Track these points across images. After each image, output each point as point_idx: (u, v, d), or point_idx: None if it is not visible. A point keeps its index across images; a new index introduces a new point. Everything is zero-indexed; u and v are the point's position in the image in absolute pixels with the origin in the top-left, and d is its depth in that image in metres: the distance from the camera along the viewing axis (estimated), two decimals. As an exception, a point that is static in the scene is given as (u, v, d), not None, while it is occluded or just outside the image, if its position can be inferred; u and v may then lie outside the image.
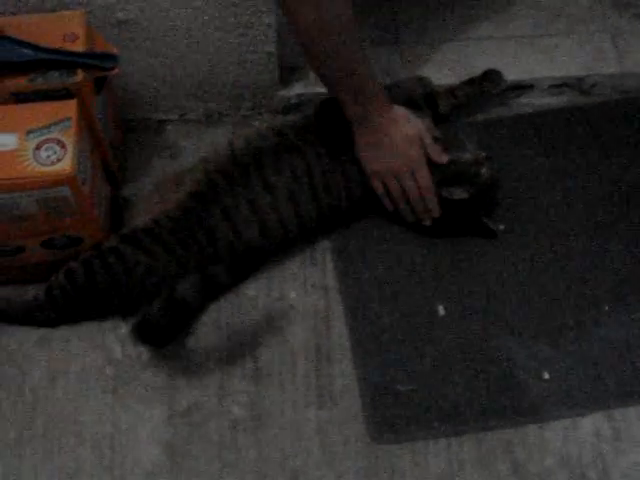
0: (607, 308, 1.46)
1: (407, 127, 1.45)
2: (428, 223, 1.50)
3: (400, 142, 1.44)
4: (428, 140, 1.47)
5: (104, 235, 1.43)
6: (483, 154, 1.49)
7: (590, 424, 1.37)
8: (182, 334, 1.44)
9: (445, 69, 1.69)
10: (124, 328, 1.44)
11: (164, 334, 1.42)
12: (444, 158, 1.47)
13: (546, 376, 1.40)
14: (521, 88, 1.69)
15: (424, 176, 1.46)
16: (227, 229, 1.43)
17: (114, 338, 1.44)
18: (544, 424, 1.37)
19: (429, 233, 1.53)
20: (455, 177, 1.47)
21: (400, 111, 1.46)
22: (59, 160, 1.27)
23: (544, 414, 1.37)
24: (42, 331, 1.45)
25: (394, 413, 1.37)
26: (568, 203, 1.57)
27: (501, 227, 1.54)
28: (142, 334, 1.40)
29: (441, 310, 1.47)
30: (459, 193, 1.46)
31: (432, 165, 1.47)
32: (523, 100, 1.71)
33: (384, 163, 1.45)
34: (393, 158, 1.45)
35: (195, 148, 1.65)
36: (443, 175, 1.47)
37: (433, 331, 1.45)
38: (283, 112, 1.68)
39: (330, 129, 1.49)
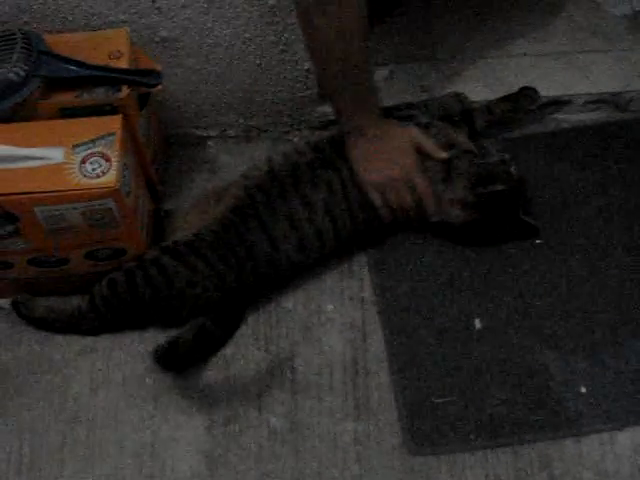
0: (645, 322, 1.46)
1: (400, 137, 1.49)
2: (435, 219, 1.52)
3: (395, 152, 1.48)
4: (424, 141, 1.50)
5: (147, 247, 1.46)
6: (507, 155, 1.52)
7: (628, 438, 1.37)
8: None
9: (481, 85, 1.70)
10: (165, 339, 1.46)
11: (187, 361, 1.45)
12: (443, 155, 1.50)
13: (583, 390, 1.40)
14: (558, 104, 1.70)
15: (421, 181, 1.49)
16: (265, 243, 1.45)
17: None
18: (581, 438, 1.37)
19: (472, 242, 1.54)
20: (489, 177, 1.49)
21: (392, 122, 1.50)
22: (104, 173, 1.30)
23: (581, 428, 1.37)
24: (85, 341, 1.48)
25: (431, 425, 1.38)
26: (605, 218, 1.57)
27: (538, 241, 1.55)
28: (167, 359, 1.43)
29: (478, 323, 1.47)
30: (496, 186, 1.48)
31: (467, 169, 1.49)
32: (560, 116, 1.71)
33: (382, 174, 1.47)
34: (390, 168, 1.48)
35: (235, 163, 1.68)
36: (479, 177, 1.49)
37: (470, 344, 1.45)
38: (322, 128, 1.70)
39: None
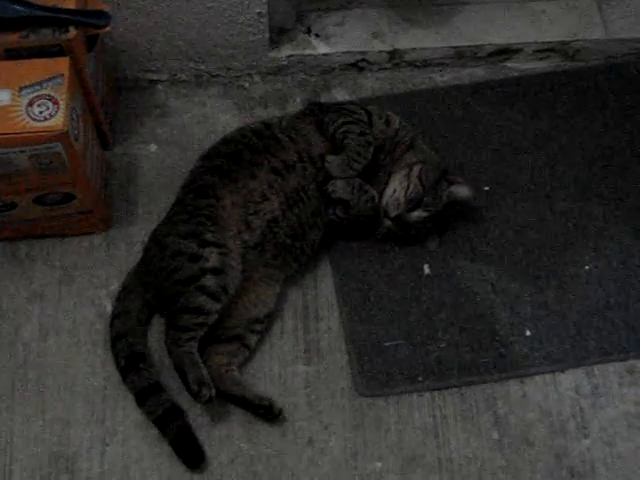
0: (588, 268, 1.50)
1: None
2: None
3: None
4: None
5: (96, 192, 1.44)
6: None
7: (570, 380, 1.41)
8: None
9: (432, 32, 1.70)
10: (115, 284, 1.46)
11: None
12: None
13: (528, 333, 1.44)
14: (507, 52, 1.71)
15: None
16: None
17: (105, 294, 1.46)
18: (525, 379, 1.41)
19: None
20: None
21: None
22: (52, 116, 1.28)
23: (525, 370, 1.41)
24: (33, 287, 1.47)
25: (380, 368, 1.41)
26: (552, 165, 1.60)
27: (485, 188, 1.57)
28: None
29: (426, 269, 1.50)
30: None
31: None
32: (509, 64, 1.73)
33: None
34: None
35: (185, 108, 1.66)
36: None
37: (418, 289, 1.48)
38: (273, 73, 1.69)
39: None
